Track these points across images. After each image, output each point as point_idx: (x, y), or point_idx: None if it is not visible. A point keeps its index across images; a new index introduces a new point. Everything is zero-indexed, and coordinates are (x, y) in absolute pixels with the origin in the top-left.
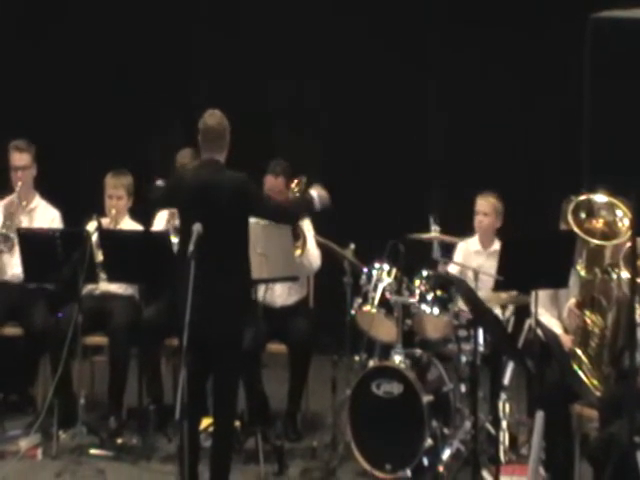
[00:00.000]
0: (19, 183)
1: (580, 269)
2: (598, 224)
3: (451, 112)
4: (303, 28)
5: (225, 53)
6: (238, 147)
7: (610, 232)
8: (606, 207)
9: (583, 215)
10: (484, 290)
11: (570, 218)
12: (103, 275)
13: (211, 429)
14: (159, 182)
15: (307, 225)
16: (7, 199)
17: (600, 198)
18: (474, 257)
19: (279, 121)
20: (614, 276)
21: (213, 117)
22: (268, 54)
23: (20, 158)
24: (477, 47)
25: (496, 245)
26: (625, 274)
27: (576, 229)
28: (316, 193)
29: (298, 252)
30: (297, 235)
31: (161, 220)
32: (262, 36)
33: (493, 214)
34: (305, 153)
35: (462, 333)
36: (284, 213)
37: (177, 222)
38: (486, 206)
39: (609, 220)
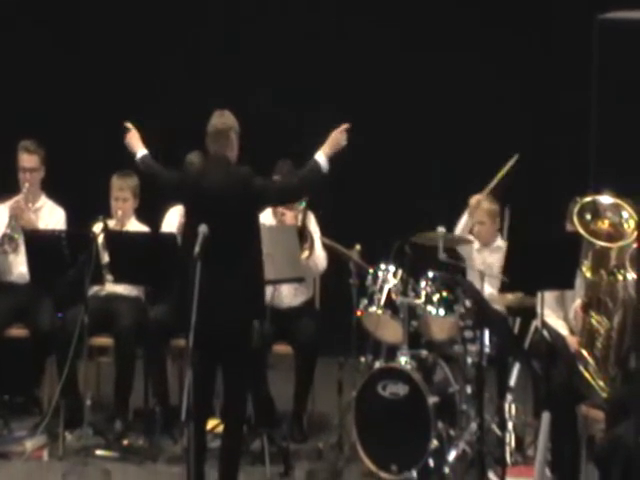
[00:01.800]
0: (26, 184)
1: (586, 270)
2: (604, 225)
3: (456, 113)
4: (309, 31)
5: (235, 56)
6: (246, 148)
7: (616, 233)
8: (612, 208)
9: (589, 216)
10: (490, 288)
11: (576, 219)
12: (109, 276)
13: (217, 430)
14: (140, 156)
15: (313, 226)
16: (13, 200)
17: (606, 199)
18: (477, 255)
19: (286, 121)
20: (620, 277)
21: (219, 117)
22: (274, 53)
23: (29, 160)
24: (482, 47)
25: (498, 241)
26: (631, 275)
27: (581, 231)
28: (322, 155)
29: (306, 254)
30: (304, 237)
31: (172, 220)
32: (266, 35)
33: (489, 220)
34: (311, 154)
35: (468, 334)
36: (292, 191)
37: None
38: (481, 215)
39: (615, 222)
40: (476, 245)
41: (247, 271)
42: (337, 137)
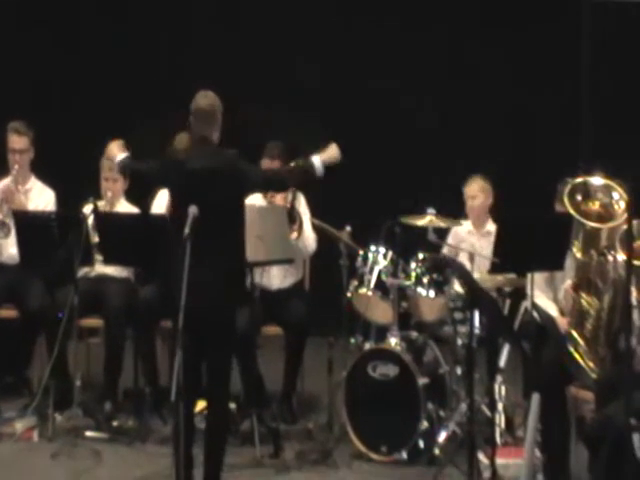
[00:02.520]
0: (15, 166)
1: (576, 251)
2: (594, 206)
3: (448, 94)
4: (299, 11)
5: (224, 37)
6: (235, 129)
7: (606, 214)
8: (602, 189)
9: (579, 197)
10: (479, 271)
11: (566, 200)
12: (99, 257)
13: (206, 411)
14: (118, 159)
15: (303, 208)
16: (3, 184)
17: (596, 180)
18: (467, 238)
19: (277, 103)
20: (610, 258)
21: (204, 98)
22: (266, 35)
23: (18, 141)
24: (473, 29)
25: (489, 226)
26: (621, 256)
27: (572, 211)
28: (319, 159)
29: (294, 235)
30: (293, 218)
31: (161, 201)
32: (260, 17)
33: (481, 195)
34: (302, 135)
35: (458, 315)
36: (279, 183)
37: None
38: (474, 189)
39: (605, 202)
40: (466, 228)
41: (232, 255)
42: (335, 150)
